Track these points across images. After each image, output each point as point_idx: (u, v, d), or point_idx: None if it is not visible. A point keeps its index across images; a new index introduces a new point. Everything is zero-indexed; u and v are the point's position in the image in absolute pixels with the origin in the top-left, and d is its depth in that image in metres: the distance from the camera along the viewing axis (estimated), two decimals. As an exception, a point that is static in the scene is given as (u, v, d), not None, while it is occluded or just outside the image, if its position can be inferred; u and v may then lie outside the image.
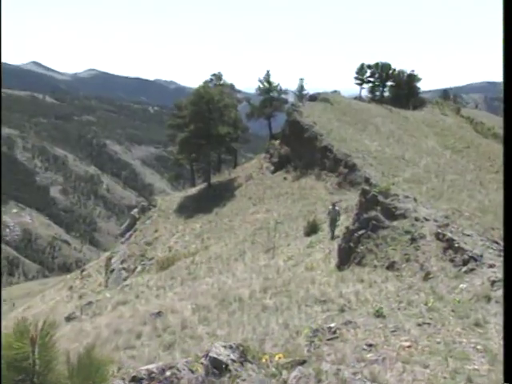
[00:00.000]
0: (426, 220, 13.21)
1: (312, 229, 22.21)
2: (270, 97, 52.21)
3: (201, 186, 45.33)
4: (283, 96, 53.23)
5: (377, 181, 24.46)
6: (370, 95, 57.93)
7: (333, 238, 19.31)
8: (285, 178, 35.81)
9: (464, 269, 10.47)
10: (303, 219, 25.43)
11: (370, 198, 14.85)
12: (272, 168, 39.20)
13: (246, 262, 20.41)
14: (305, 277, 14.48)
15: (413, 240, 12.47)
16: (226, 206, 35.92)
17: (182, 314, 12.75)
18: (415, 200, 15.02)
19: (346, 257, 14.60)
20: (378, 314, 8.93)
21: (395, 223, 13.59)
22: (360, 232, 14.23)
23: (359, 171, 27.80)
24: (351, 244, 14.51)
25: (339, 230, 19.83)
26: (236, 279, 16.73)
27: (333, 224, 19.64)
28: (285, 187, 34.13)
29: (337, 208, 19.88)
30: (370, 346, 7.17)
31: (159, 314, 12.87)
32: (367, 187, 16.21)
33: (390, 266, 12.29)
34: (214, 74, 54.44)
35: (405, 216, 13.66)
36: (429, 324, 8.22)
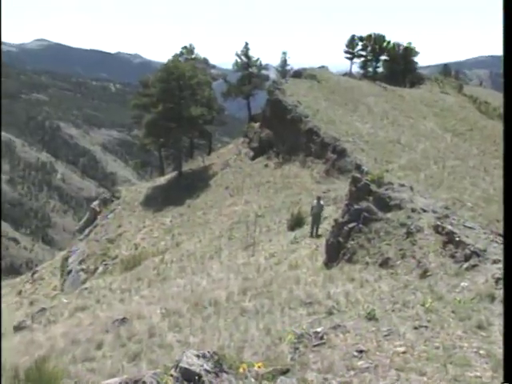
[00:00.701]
0: (424, 211, 13.38)
1: (296, 222, 22.34)
2: (248, 73, 52.03)
3: (171, 175, 45.14)
4: (264, 72, 53.17)
5: (369, 168, 24.71)
6: (361, 71, 58.22)
7: (313, 236, 19.49)
8: (266, 166, 35.92)
9: (466, 265, 10.65)
10: (287, 211, 25.55)
11: (361, 187, 14.96)
12: (251, 154, 39.24)
13: (222, 261, 20.43)
14: (288, 276, 14.55)
15: (409, 234, 12.62)
16: (199, 198, 35.86)
17: (149, 320, 12.68)
18: (412, 189, 15.20)
19: (335, 253, 14.71)
20: (370, 317, 9.03)
21: (389, 215, 13.73)
22: (350, 225, 14.36)
23: (349, 157, 28.03)
24: (340, 239, 14.63)
25: (324, 229, 19.98)
26: (211, 280, 16.73)
27: (316, 221, 19.77)
28: (266, 175, 34.21)
29: (321, 203, 20.01)
30: (361, 352, 7.26)
31: (123, 320, 12.79)
32: (358, 175, 16.32)
33: (384, 263, 12.44)
34: (185, 47, 53.96)
35: (400, 207, 13.81)
36: (426, 327, 8.35)
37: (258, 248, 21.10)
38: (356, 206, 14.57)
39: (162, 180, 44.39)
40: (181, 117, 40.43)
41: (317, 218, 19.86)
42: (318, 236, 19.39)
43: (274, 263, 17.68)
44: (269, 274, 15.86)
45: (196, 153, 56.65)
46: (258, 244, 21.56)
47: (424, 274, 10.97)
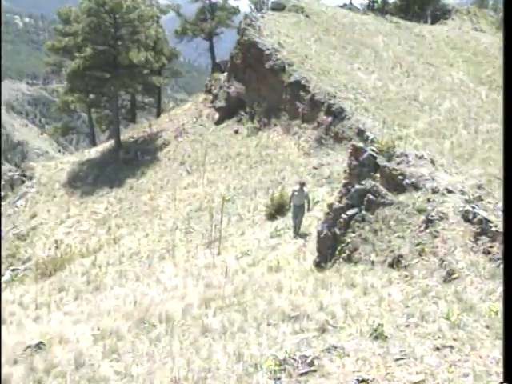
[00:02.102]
0: (450, 192, 13.55)
1: (278, 209, 22.44)
2: (210, 4, 51.50)
3: (105, 146, 44.72)
4: (232, 3, 52.75)
5: (375, 134, 24.84)
6: (365, 2, 58.12)
7: (297, 234, 19.64)
8: (236, 132, 35.84)
9: (503, 264, 10.87)
10: (264, 194, 25.63)
11: (364, 161, 15.03)
12: (216, 116, 39.09)
13: (177, 262, 20.43)
14: (267, 281, 14.63)
15: (429, 223, 12.76)
16: (145, 176, 35.70)
17: (76, 345, 12.63)
18: (433, 162, 15.35)
19: (329, 250, 14.81)
20: (377, 335, 9.15)
21: (403, 198, 13.86)
22: (350, 212, 14.45)
23: (349, 120, 28.14)
24: (336, 230, 14.72)
25: (314, 217, 20.10)
26: (162, 288, 16.72)
27: (298, 216, 19.81)
28: (236, 146, 34.16)
29: (306, 190, 20.00)
30: (364, 382, 7.37)
31: (39, 346, 12.70)
32: (361, 144, 16.42)
33: (395, 263, 12.58)
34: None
35: (417, 187, 13.94)
36: (451, 348, 8.50)
37: (226, 244, 21.11)
38: (358, 186, 14.65)
39: (92, 152, 43.93)
40: (117, 64, 39.87)
41: (299, 213, 19.82)
42: (302, 236, 19.52)
43: (247, 264, 17.75)
44: (240, 278, 15.90)
45: (139, 115, 56.07)
46: (225, 239, 21.57)
47: (449, 277, 11.13)
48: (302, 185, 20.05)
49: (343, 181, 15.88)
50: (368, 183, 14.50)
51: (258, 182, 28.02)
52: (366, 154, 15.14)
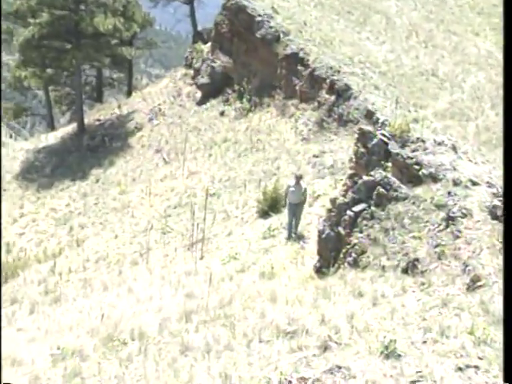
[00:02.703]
0: (474, 184, 13.57)
1: (272, 205, 22.42)
2: (191, -40, 51.30)
3: (66, 130, 44.52)
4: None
5: (387, 116, 24.86)
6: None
7: (293, 236, 19.65)
8: (222, 114, 35.72)
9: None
10: (256, 188, 25.65)
11: (374, 148, 15.05)
12: (198, 95, 38.96)
13: (152, 268, 20.42)
14: (259, 290, 14.64)
15: (450, 220, 12.79)
16: (113, 167, 35.57)
17: (32, 368, 12.60)
18: (455, 149, 15.37)
19: (332, 253, 14.85)
20: (389, 353, 9.18)
21: (419, 191, 13.88)
22: (356, 208, 14.46)
23: (355, 99, 28.11)
24: (341, 230, 14.74)
25: (315, 214, 20.12)
26: (134, 299, 16.71)
27: (296, 215, 19.78)
28: (222, 130, 34.08)
29: (303, 185, 19.99)
30: (374, 408, 7.40)
31: (-12, 368, 12.66)
32: (369, 127, 16.43)
33: (410, 268, 12.60)
34: None
35: (436, 178, 13.96)
36: (477, 368, 8.53)
37: (211, 247, 21.15)
38: (366, 178, 14.66)
39: (50, 138, 43.73)
40: (79, 33, 39.53)
41: (296, 211, 19.82)
42: (299, 237, 19.55)
43: (235, 270, 17.78)
44: (227, 287, 15.91)
45: (107, 93, 55.82)
46: (209, 240, 21.62)
47: (473, 285, 11.16)
48: (299, 179, 19.91)
49: (349, 171, 15.90)
50: (378, 174, 14.51)
51: (248, 172, 27.99)
52: (375, 140, 15.16)
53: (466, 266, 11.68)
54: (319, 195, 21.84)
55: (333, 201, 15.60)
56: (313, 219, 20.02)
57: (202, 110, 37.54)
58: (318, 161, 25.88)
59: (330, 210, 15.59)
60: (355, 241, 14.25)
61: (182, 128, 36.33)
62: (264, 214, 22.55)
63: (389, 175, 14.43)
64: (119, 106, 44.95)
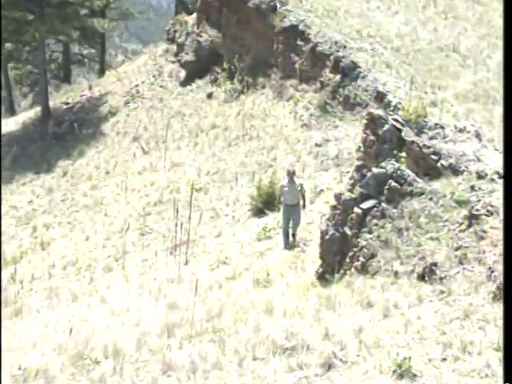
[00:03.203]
0: (502, 177, 13.59)
1: (267, 201, 22.44)
2: None
3: (28, 115, 44.40)
4: None
5: (400, 98, 24.87)
6: None
7: (287, 245, 19.58)
8: (210, 97, 35.72)
9: None
10: (249, 182, 25.71)
11: (385, 135, 15.03)
12: (182, 74, 38.91)
13: (128, 274, 20.41)
14: (253, 300, 14.64)
15: (473, 219, 12.80)
16: (84, 157, 35.49)
17: (-10, 390, 12.59)
18: (479, 137, 15.37)
19: (337, 256, 14.87)
20: (402, 372, 9.19)
21: (437, 185, 13.88)
22: (365, 205, 14.46)
23: (364, 79, 28.12)
24: (347, 230, 14.75)
25: (318, 212, 20.12)
26: (108, 310, 16.69)
27: (293, 216, 19.71)
28: (210, 115, 34.08)
29: (297, 181, 19.85)
30: None
31: None
32: (380, 111, 16.41)
33: (428, 274, 12.61)
34: None
35: (457, 170, 13.97)
36: (503, 388, 8.55)
37: (197, 250, 21.20)
38: (376, 170, 14.66)
39: (10, 124, 43.60)
40: (43, 2, 39.32)
41: (293, 214, 19.72)
42: (293, 236, 19.60)
43: (225, 277, 17.83)
44: (216, 297, 15.92)
45: (76, 72, 55.78)
46: (195, 242, 21.67)
47: (500, 293, 11.17)
48: (292, 175, 19.71)
49: (356, 162, 15.87)
50: (390, 165, 14.52)
51: (240, 164, 28.00)
52: (387, 126, 15.15)
53: (492, 271, 11.69)
54: (322, 190, 21.87)
55: (338, 196, 15.60)
56: (314, 218, 20.04)
57: (187, 92, 37.54)
58: (320, 150, 25.91)
59: (334, 208, 15.59)
60: (363, 243, 14.26)
61: (163, 112, 36.31)
62: (258, 211, 22.58)
63: (402, 167, 14.44)
64: (90, 87, 44.85)
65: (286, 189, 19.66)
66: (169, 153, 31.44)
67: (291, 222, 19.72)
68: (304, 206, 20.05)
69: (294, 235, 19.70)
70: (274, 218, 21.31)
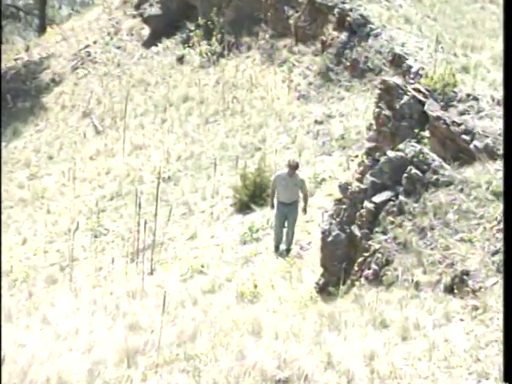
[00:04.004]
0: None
1: (254, 193, 22.49)
2: None
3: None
4: None
5: (423, 62, 24.90)
6: None
7: (278, 253, 19.65)
8: (181, 61, 35.71)
9: None
10: (231, 169, 25.76)
11: (404, 109, 15.09)
12: (146, 32, 38.89)
13: (78, 287, 20.37)
14: (236, 319, 14.65)
15: (514, 215, 12.87)
16: (20, 138, 35.42)
17: None
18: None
19: (343, 263, 14.89)
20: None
21: (470, 173, 13.91)
22: (378, 198, 14.47)
23: (376, 38, 28.16)
24: (355, 230, 14.76)
25: (307, 220, 20.15)
26: (52, 333, 16.67)
27: (289, 219, 19.65)
28: (182, 84, 34.11)
29: (300, 176, 19.75)
30: None
31: None
32: (397, 80, 16.45)
33: (458, 285, 12.65)
34: None
35: (494, 153, 14.02)
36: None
37: (165, 255, 21.27)
38: (392, 154, 14.67)
39: None
40: None
41: (289, 216, 19.75)
42: (288, 251, 19.59)
43: (202, 290, 17.83)
44: (190, 315, 15.93)
45: (9, 29, 55.60)
46: (163, 246, 21.70)
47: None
48: (295, 168, 19.66)
49: (367, 144, 15.93)
50: (410, 148, 14.54)
51: (220, 147, 28.01)
52: (406, 98, 15.20)
53: (539, 282, 11.76)
54: (323, 179, 21.88)
55: (343, 187, 15.61)
56: (314, 214, 20.08)
57: (152, 55, 37.51)
58: (321, 129, 25.93)
59: (339, 201, 15.60)
60: (376, 246, 14.26)
61: (121, 81, 36.28)
62: (243, 207, 22.64)
63: (425, 149, 14.46)
64: (27, 49, 44.76)
65: (284, 183, 19.61)
66: (129, 132, 31.43)
67: (287, 227, 19.79)
68: (305, 211, 20.07)
69: (288, 250, 19.68)
70: (263, 215, 21.34)
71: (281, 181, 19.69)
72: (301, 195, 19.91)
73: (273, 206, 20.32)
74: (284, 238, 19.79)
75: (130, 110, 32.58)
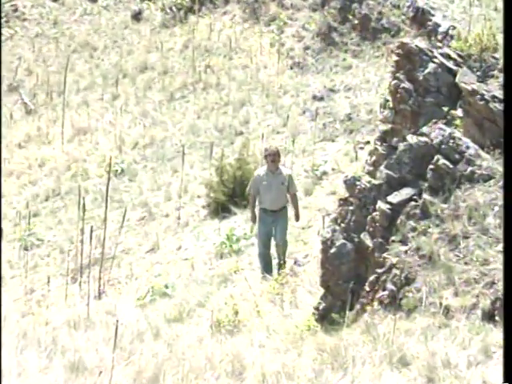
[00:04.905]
0: None
1: (233, 193, 22.54)
2: None
3: None
4: None
5: (455, 19, 24.97)
6: None
7: (266, 270, 19.52)
8: (137, 17, 35.77)
9: None
10: (204, 160, 25.75)
11: (428, 80, 15.14)
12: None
13: (3, 314, 20.32)
14: (211, 357, 14.69)
15: None
16: None
17: None
18: None
19: (350, 282, 14.92)
20: None
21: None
22: (395, 198, 14.47)
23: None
24: (365, 238, 14.74)
25: (304, 225, 20.18)
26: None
27: (277, 230, 19.58)
28: (139, 49, 34.17)
29: (286, 171, 19.67)
30: None
31: None
32: (420, 42, 16.50)
33: (500, 310, 12.69)
34: None
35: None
36: None
37: (117, 273, 21.24)
38: (413, 140, 14.69)
39: None
40: None
41: (277, 227, 19.60)
42: (281, 266, 19.49)
43: (165, 318, 17.87)
44: (150, 351, 15.95)
45: None
46: (115, 261, 21.68)
47: None
48: (275, 157, 19.42)
49: (381, 127, 15.94)
50: (437, 132, 14.58)
51: (190, 131, 28.10)
52: (431, 66, 15.25)
53: None
54: (325, 173, 21.95)
55: (350, 183, 15.61)
56: (313, 219, 20.13)
57: (99, 10, 37.57)
58: (321, 107, 25.99)
59: (344, 201, 15.59)
60: (393, 259, 14.24)
61: (59, 45, 36.31)
62: (219, 209, 22.65)
63: (457, 134, 14.50)
64: None
65: (266, 184, 19.42)
66: (69, 112, 31.47)
67: (274, 238, 19.65)
68: (297, 217, 19.93)
69: (281, 264, 19.56)
70: (246, 220, 21.38)
71: (261, 182, 19.49)
72: (289, 197, 19.74)
73: (255, 219, 20.12)
74: (269, 259, 19.78)
75: (71, 82, 32.62)
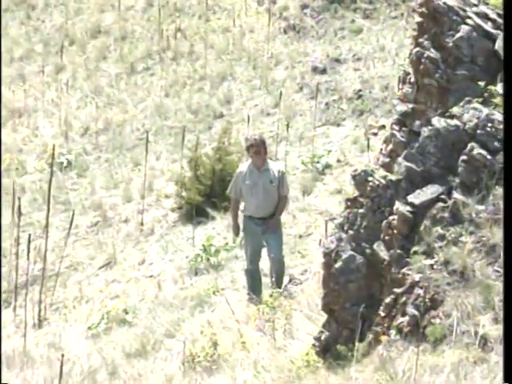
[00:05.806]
0: None
1: (211, 192, 22.58)
2: None
3: None
4: None
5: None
6: None
7: (253, 291, 19.49)
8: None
9: None
10: (173, 150, 25.82)
11: (460, 47, 15.17)
12: None
13: None
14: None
15: None
16: None
17: None
18: None
19: (360, 306, 14.94)
20: None
21: None
22: (418, 198, 14.47)
23: None
24: (379, 250, 14.79)
25: (301, 234, 20.21)
26: None
27: (269, 244, 19.51)
28: (90, 9, 34.25)
29: (276, 167, 19.63)
30: None
31: None
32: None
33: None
34: None
35: None
36: None
37: (62, 294, 21.23)
38: (440, 123, 14.69)
39: None
40: None
41: (269, 242, 19.67)
42: (278, 284, 19.39)
43: (124, 352, 17.90)
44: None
45: None
46: (59, 279, 21.64)
47: None
48: (259, 148, 19.40)
49: (399, 107, 16.00)
50: (470, 113, 14.60)
51: (156, 112, 28.18)
52: (464, 30, 15.28)
53: None
54: (328, 166, 22.03)
55: (360, 179, 15.63)
56: (313, 225, 20.19)
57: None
58: (324, 82, 26.09)
59: (353, 202, 15.64)
60: (416, 276, 14.27)
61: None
62: (193, 211, 22.64)
63: (497, 115, 14.50)
64: None
65: (250, 184, 19.40)
66: (3, 88, 31.51)
67: (268, 254, 19.63)
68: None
69: (278, 283, 19.47)
70: (227, 226, 21.42)
71: (244, 181, 19.41)
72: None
73: (238, 230, 20.13)
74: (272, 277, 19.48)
75: (3, 51, 32.67)
